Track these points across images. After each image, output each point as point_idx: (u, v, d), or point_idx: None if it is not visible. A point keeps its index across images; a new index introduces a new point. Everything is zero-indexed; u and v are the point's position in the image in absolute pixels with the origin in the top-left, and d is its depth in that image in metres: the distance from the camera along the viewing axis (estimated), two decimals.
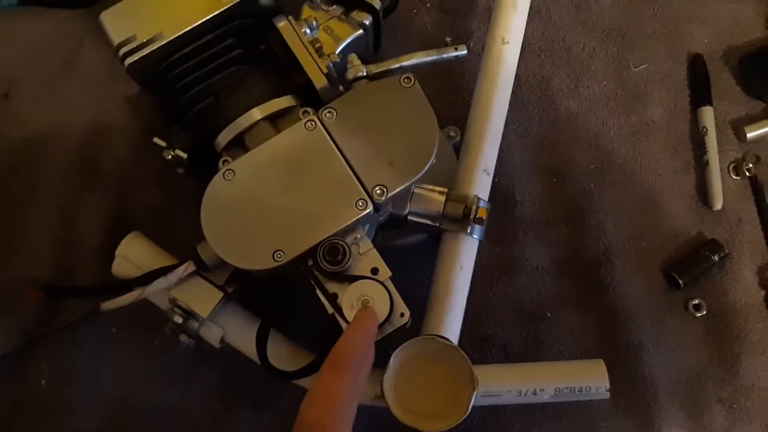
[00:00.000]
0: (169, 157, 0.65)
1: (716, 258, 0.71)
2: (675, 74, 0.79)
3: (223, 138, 0.62)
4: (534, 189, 0.75)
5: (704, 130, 0.76)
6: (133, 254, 0.64)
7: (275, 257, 0.55)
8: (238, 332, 0.63)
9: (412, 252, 0.72)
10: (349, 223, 0.56)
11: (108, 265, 0.64)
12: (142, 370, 0.69)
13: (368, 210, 0.56)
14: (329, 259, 0.55)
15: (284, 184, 0.57)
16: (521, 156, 0.76)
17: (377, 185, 0.56)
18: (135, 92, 0.78)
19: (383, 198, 0.56)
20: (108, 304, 0.60)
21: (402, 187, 0.57)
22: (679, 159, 0.76)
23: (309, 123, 0.58)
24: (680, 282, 0.71)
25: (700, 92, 0.78)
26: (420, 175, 0.57)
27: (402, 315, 0.56)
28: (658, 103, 0.78)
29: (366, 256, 0.57)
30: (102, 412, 0.69)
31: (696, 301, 0.71)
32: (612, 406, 0.68)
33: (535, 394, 0.60)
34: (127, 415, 0.69)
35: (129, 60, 0.63)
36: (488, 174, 0.65)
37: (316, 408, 0.42)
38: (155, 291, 0.60)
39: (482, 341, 0.70)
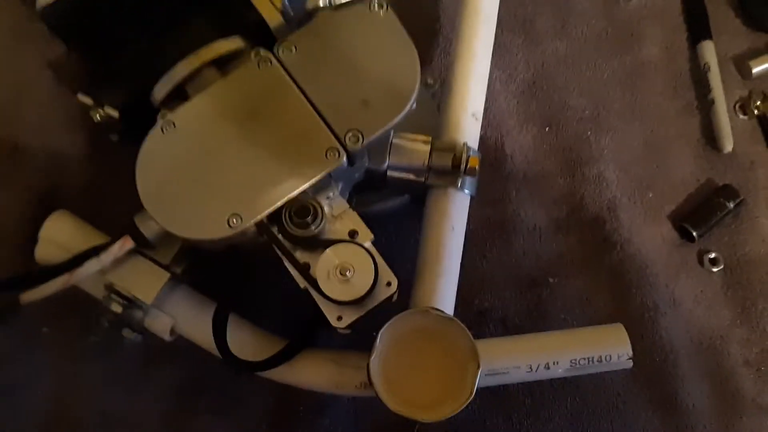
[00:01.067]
0: (98, 117, 0.54)
1: (731, 205, 0.64)
2: (669, 8, 0.73)
3: (161, 89, 0.52)
4: (525, 140, 0.67)
5: (706, 66, 0.69)
6: (59, 235, 0.54)
7: (231, 224, 0.45)
8: (192, 320, 0.53)
9: (392, 220, 0.63)
10: (318, 177, 0.46)
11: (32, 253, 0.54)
12: (80, 375, 0.59)
13: (341, 161, 0.47)
14: (297, 221, 0.45)
15: (237, 135, 0.47)
16: (508, 105, 0.68)
17: (350, 130, 0.47)
18: (57, 55, 0.67)
19: (358, 145, 0.47)
20: (28, 296, 0.49)
21: (380, 132, 0.47)
22: (680, 100, 0.69)
23: (263, 62, 0.48)
24: (694, 234, 0.64)
25: (698, 26, 0.71)
26: (401, 116, 0.48)
27: (389, 284, 0.47)
28: (653, 40, 0.71)
29: (341, 218, 0.48)
30: (36, 426, 0.59)
31: (712, 255, 0.64)
32: (628, 377, 0.61)
33: (548, 368, 0.52)
34: (66, 428, 0.58)
35: (43, 1, 0.52)
36: (477, 119, 0.57)
37: None
38: (86, 275, 0.49)
39: (478, 315, 0.61)
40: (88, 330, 0.56)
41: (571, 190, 0.66)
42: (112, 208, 0.55)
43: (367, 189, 0.57)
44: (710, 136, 0.68)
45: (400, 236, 0.63)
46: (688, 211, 0.66)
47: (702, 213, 0.65)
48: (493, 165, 0.65)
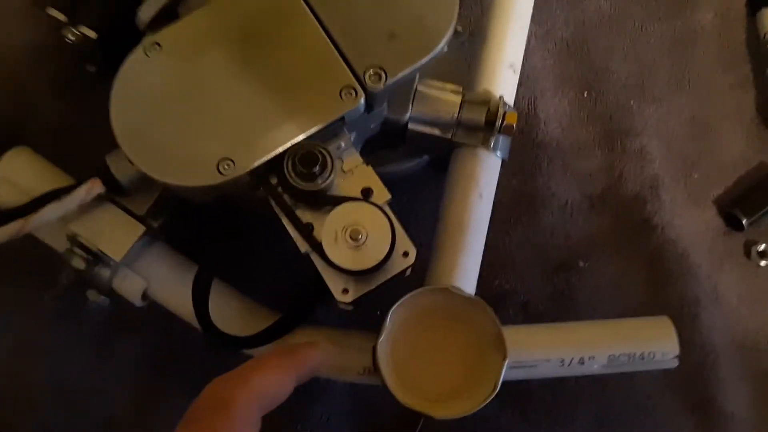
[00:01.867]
0: (71, 38, 0.46)
1: None
2: None
3: (149, 8, 0.43)
4: (561, 105, 0.59)
5: (766, 37, 0.61)
6: (17, 175, 0.46)
7: (221, 169, 0.38)
8: (168, 283, 0.45)
9: (405, 185, 0.55)
10: (330, 121, 0.39)
11: None
12: (36, 340, 0.51)
13: (358, 103, 0.39)
14: (302, 171, 0.38)
15: (235, 63, 0.39)
16: (543, 64, 0.60)
17: (371, 67, 0.39)
18: None
19: (380, 85, 0.39)
20: None
21: (406, 71, 0.40)
22: (735, 73, 0.62)
23: None
24: (743, 222, 0.57)
25: None
26: (432, 54, 0.40)
27: (405, 254, 0.40)
28: (707, 5, 0.64)
29: (353, 173, 0.40)
30: None
31: (761, 247, 0.57)
32: (661, 377, 0.54)
33: (583, 363, 0.45)
34: (18, 400, 0.51)
35: None
36: (514, 72, 0.49)
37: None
38: (45, 222, 0.41)
39: (497, 298, 0.54)
40: (48, 289, 0.48)
41: (609, 164, 0.58)
42: (85, 153, 0.46)
43: (381, 147, 0.49)
44: (766, 115, 0.61)
45: (415, 206, 0.56)
46: (736, 196, 0.58)
47: (752, 199, 0.58)
48: (523, 130, 0.57)
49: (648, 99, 0.60)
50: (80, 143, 0.53)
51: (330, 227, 0.37)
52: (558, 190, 0.57)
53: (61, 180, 0.46)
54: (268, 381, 0.32)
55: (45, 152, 0.49)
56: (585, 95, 0.60)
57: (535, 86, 0.59)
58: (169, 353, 0.51)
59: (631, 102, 0.60)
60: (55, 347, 0.51)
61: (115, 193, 0.42)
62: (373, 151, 0.49)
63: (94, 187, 0.41)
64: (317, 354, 0.36)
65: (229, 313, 0.44)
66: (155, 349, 0.51)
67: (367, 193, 0.40)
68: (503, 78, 0.47)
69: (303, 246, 0.38)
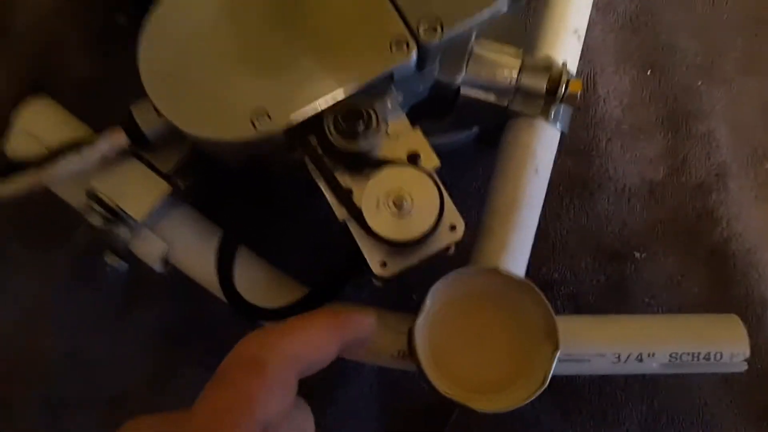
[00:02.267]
0: None
1: None
2: None
3: None
4: (621, 83, 0.54)
5: None
6: (37, 125, 0.43)
7: (255, 123, 0.34)
8: (191, 248, 0.41)
9: (451, 160, 0.51)
10: (378, 75, 0.35)
11: None
12: (51, 307, 0.48)
13: (410, 57, 0.35)
14: (344, 129, 0.34)
15: (276, 7, 0.35)
16: (604, 38, 0.55)
17: (427, 17, 0.35)
18: None
19: (435, 38, 0.35)
20: None
21: (465, 24, 0.36)
22: None
23: None
24: None
25: None
26: (494, 8, 0.36)
27: (453, 228, 0.35)
28: None
29: (399, 137, 0.37)
30: None
31: None
32: (720, 383, 0.50)
33: (641, 360, 0.40)
34: (31, 368, 0.48)
35: None
36: (579, 38, 0.45)
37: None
38: (63, 175, 0.38)
39: (544, 287, 0.48)
40: (63, 250, 0.45)
41: (673, 149, 0.53)
42: (113, 109, 0.43)
43: (428, 115, 0.45)
44: None
45: (459, 184, 0.52)
46: None
47: None
48: (580, 107, 0.53)
49: (717, 80, 0.55)
50: (108, 99, 0.49)
51: (372, 192, 0.34)
52: (615, 174, 0.53)
53: (83, 132, 0.42)
54: (310, 343, 0.27)
55: (71, 107, 0.46)
56: (648, 73, 0.55)
57: (595, 61, 0.54)
58: (187, 325, 0.48)
59: (699, 83, 0.55)
60: (70, 314, 0.48)
61: (140, 146, 0.39)
62: (418, 120, 0.45)
63: (117, 139, 0.38)
64: (370, 323, 0.31)
65: (255, 284, 0.40)
66: (174, 319, 0.48)
67: (414, 159, 0.36)
68: (567, 43, 0.43)
69: (341, 213, 0.35)
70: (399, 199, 0.33)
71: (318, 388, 0.48)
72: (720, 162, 0.53)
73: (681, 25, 0.56)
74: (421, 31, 0.35)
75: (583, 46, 0.53)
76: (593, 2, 0.55)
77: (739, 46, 0.56)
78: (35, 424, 0.48)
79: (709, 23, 0.57)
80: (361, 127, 0.34)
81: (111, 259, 0.42)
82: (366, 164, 0.35)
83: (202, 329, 0.48)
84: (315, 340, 0.27)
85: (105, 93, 0.51)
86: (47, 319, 0.49)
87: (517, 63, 0.41)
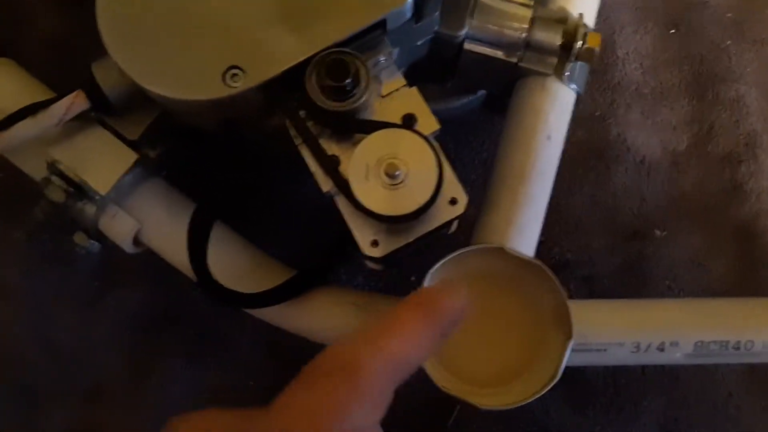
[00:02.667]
0: None
1: None
2: None
3: None
4: (642, 42, 0.50)
5: None
6: None
7: (228, 80, 0.30)
8: (164, 226, 0.37)
9: (453, 127, 0.47)
10: (367, 23, 0.31)
11: None
12: (22, 289, 0.44)
13: (404, 2, 0.30)
14: (330, 85, 0.30)
15: None
16: None
17: None
18: None
19: None
20: None
21: None
22: None
23: None
24: None
25: None
26: None
27: (453, 202, 0.31)
28: None
29: (393, 96, 0.32)
30: None
31: None
32: (746, 374, 0.47)
33: (663, 350, 0.36)
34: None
35: None
36: None
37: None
38: (18, 142, 0.34)
39: (556, 269, 0.45)
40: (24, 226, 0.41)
41: (698, 115, 0.49)
42: (82, 70, 0.39)
43: (428, 77, 0.40)
44: None
45: (462, 153, 0.48)
46: None
47: None
48: (596, 70, 0.49)
49: (749, 40, 0.51)
50: (76, 59, 0.46)
51: (360, 159, 0.29)
52: (634, 143, 0.49)
53: (45, 97, 0.38)
54: (407, 348, 0.23)
55: (38, 68, 0.42)
56: (673, 31, 0.51)
57: (614, 18, 0.50)
58: (166, 313, 0.45)
59: (728, 42, 0.51)
60: (39, 295, 0.45)
61: (102, 111, 0.35)
62: (417, 82, 0.41)
63: (76, 103, 0.34)
64: (464, 303, 0.26)
65: (232, 264, 0.36)
66: (151, 307, 0.45)
67: (409, 121, 0.32)
68: None
69: (325, 184, 0.31)
70: (391, 168, 0.29)
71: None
72: (750, 131, 0.49)
73: None
74: None
75: (601, 2, 0.48)
76: None
77: None
78: (7, 413, 0.45)
79: None
80: (348, 83, 0.30)
81: (80, 240, 0.38)
82: (354, 127, 0.31)
83: (183, 316, 0.45)
84: (414, 339, 0.23)
85: (73, 53, 0.47)
86: (17, 302, 0.45)
87: (528, 14, 0.36)
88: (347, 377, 0.21)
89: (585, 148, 0.48)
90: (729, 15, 0.51)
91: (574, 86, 0.38)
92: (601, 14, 0.50)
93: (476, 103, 0.46)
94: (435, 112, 0.46)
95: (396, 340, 0.23)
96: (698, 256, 0.47)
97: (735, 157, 0.48)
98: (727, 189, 0.48)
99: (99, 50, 0.33)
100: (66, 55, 0.47)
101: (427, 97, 0.45)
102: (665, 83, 0.49)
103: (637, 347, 0.37)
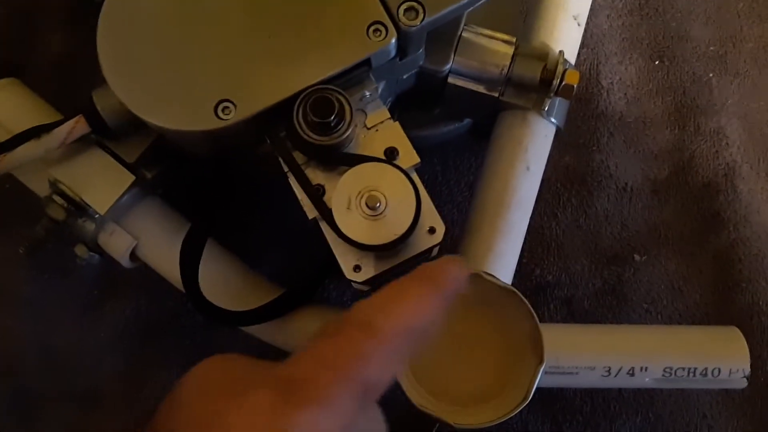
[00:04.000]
0: None
1: None
2: None
3: None
4: (627, 73, 0.51)
5: None
6: (2, 110, 0.40)
7: (220, 113, 0.32)
8: (159, 243, 0.39)
9: (440, 152, 0.49)
10: (353, 63, 0.32)
11: None
12: (23, 296, 0.46)
13: (388, 43, 0.32)
14: (315, 121, 0.31)
15: None
16: (610, 25, 0.52)
17: (408, 0, 0.32)
18: None
19: (416, 23, 0.32)
20: None
21: (449, 8, 0.32)
22: None
23: None
24: None
25: None
26: None
27: (432, 231, 0.33)
28: None
29: (377, 130, 0.34)
30: None
31: None
32: (719, 395, 0.47)
33: (632, 374, 0.38)
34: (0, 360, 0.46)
35: None
36: (579, 25, 0.41)
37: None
38: (22, 162, 0.36)
39: (537, 290, 0.47)
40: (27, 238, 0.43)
41: (679, 145, 0.51)
42: (89, 89, 0.41)
43: (415, 105, 0.42)
44: None
45: (449, 177, 0.49)
46: None
47: None
48: (581, 98, 0.50)
49: (730, 72, 0.52)
50: (81, 78, 0.48)
51: (343, 191, 0.31)
52: (617, 171, 0.50)
53: (49, 117, 0.40)
54: (418, 313, 0.24)
55: (47, 87, 0.44)
56: (656, 63, 0.52)
57: (599, 49, 0.51)
58: (163, 321, 0.46)
59: (710, 75, 0.52)
60: (42, 302, 0.46)
61: (101, 135, 0.37)
62: (405, 110, 0.42)
63: (77, 127, 0.36)
64: (464, 272, 0.28)
65: (223, 282, 0.38)
66: (149, 315, 0.46)
67: (391, 154, 0.33)
68: (565, 30, 0.40)
69: (311, 212, 0.32)
70: (372, 200, 0.31)
71: None
72: (729, 161, 0.50)
73: (694, 11, 0.53)
74: (400, 14, 0.32)
75: (587, 32, 0.50)
76: None
77: (755, 37, 0.53)
78: (6, 417, 0.47)
79: (724, 10, 0.53)
80: (332, 119, 0.31)
81: (81, 251, 0.40)
82: (338, 159, 0.32)
83: (178, 325, 0.46)
84: (423, 306, 0.24)
85: (81, 73, 0.49)
86: (18, 309, 0.47)
87: (510, 50, 0.38)
88: (368, 331, 0.22)
89: (569, 173, 0.49)
90: (712, 48, 0.52)
91: (554, 119, 0.39)
92: (588, 44, 0.52)
93: (463, 128, 0.48)
94: (423, 137, 0.48)
95: (408, 305, 0.24)
96: (676, 281, 0.48)
97: (714, 186, 0.49)
98: (705, 217, 0.49)
99: (101, 74, 0.34)
100: (71, 75, 0.49)
101: (416, 123, 0.47)
102: (648, 113, 0.50)
103: (608, 371, 0.38)
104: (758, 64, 0.52)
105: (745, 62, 0.52)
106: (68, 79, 0.48)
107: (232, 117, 0.32)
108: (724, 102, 0.51)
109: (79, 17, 0.50)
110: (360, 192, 0.31)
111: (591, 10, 0.45)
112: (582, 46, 0.50)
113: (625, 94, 0.51)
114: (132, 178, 0.37)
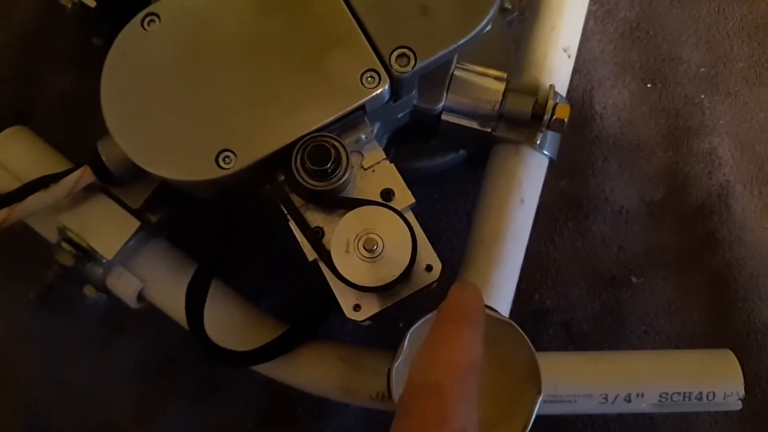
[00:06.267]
0: (69, 5, 0.42)
1: None
2: None
3: None
4: (619, 97, 0.52)
5: None
6: (11, 157, 0.42)
7: (221, 162, 0.33)
8: (166, 285, 0.40)
9: (438, 184, 0.50)
10: (348, 110, 0.33)
11: None
12: (35, 334, 0.48)
13: (381, 89, 0.33)
14: (312, 168, 0.32)
15: (241, 38, 0.34)
16: (602, 50, 0.53)
17: (399, 47, 0.33)
18: None
19: (408, 69, 0.33)
20: None
21: (439, 54, 0.34)
22: None
23: None
24: None
25: None
26: (471, 35, 0.34)
27: (429, 269, 0.34)
28: None
29: (374, 171, 0.35)
30: None
31: None
32: (719, 416, 0.47)
33: (629, 401, 0.39)
34: (14, 394, 0.48)
35: None
36: (569, 57, 0.42)
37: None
38: (32, 212, 0.37)
39: (536, 315, 0.48)
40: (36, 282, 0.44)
41: (673, 167, 0.51)
42: (94, 133, 0.42)
43: (411, 139, 0.43)
44: None
45: (448, 205, 0.50)
46: None
47: None
48: (575, 124, 0.51)
49: (721, 93, 0.53)
50: (89, 123, 0.49)
51: (341, 235, 0.32)
52: (612, 194, 0.51)
53: (57, 165, 0.41)
54: (471, 347, 0.27)
55: (52, 131, 0.45)
56: (649, 86, 0.53)
57: (592, 74, 0.52)
58: (171, 356, 0.47)
59: (702, 96, 0.53)
60: (53, 339, 0.47)
61: (107, 183, 0.38)
62: (402, 143, 0.44)
63: (83, 177, 0.37)
64: (479, 296, 0.31)
65: (229, 322, 0.39)
66: (157, 351, 0.47)
67: (387, 196, 0.34)
68: (555, 64, 0.41)
69: (310, 254, 0.33)
70: (369, 243, 0.32)
71: (305, 421, 0.47)
72: (723, 181, 0.51)
73: (684, 34, 0.54)
74: (393, 62, 0.33)
75: (580, 58, 0.51)
76: (591, 12, 0.53)
77: (745, 56, 0.54)
78: None
79: (714, 32, 0.54)
80: (329, 166, 0.32)
81: (90, 292, 0.41)
82: (336, 203, 0.33)
83: (185, 360, 0.47)
84: (471, 342, 0.27)
85: (86, 117, 0.50)
86: (31, 345, 0.48)
87: (501, 87, 0.39)
88: (441, 393, 0.25)
89: (565, 198, 0.50)
90: (702, 69, 0.53)
91: (546, 152, 0.40)
92: (581, 70, 0.53)
93: (460, 158, 0.49)
94: (420, 168, 0.49)
95: (458, 351, 0.27)
96: (673, 301, 0.49)
97: (708, 207, 0.50)
98: (700, 238, 0.50)
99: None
100: (77, 116, 0.50)
101: (414, 155, 0.48)
102: (642, 136, 0.51)
103: (605, 398, 0.39)
104: (749, 84, 0.53)
105: (735, 82, 0.53)
106: (74, 122, 0.50)
107: (233, 166, 0.33)
108: (716, 122, 0.52)
109: (85, 60, 0.51)
110: (358, 235, 0.32)
111: (582, 35, 0.46)
112: (574, 72, 0.51)
113: (619, 117, 0.52)
114: (137, 223, 0.39)
